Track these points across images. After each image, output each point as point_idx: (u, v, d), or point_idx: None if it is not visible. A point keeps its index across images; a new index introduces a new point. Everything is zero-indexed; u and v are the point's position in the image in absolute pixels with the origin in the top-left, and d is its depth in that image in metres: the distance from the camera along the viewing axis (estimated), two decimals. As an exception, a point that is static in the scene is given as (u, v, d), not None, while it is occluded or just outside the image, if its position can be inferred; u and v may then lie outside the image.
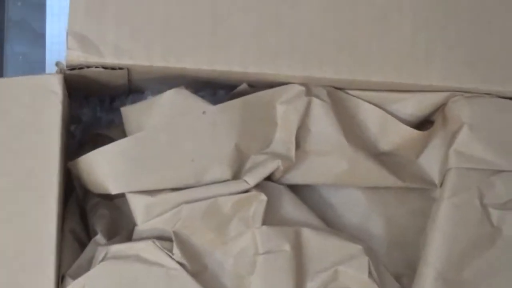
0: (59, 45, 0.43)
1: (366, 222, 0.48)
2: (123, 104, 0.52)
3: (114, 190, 0.44)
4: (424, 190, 0.48)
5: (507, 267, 0.45)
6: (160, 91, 0.48)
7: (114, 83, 0.48)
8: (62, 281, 0.42)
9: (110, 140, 0.47)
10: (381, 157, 0.47)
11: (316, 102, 0.45)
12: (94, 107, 0.53)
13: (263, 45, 0.44)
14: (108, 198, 0.47)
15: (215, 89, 0.51)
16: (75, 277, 0.42)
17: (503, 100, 0.46)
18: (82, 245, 0.46)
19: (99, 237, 0.45)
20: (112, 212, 0.47)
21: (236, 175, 0.44)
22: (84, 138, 0.52)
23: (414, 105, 0.47)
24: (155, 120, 0.45)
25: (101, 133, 0.51)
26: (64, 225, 0.46)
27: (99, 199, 0.48)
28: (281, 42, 0.45)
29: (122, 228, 0.46)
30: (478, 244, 0.45)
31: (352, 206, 0.48)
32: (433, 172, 0.48)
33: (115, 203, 0.48)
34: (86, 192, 0.48)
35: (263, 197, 0.44)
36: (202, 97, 0.51)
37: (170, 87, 0.47)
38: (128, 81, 0.48)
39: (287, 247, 0.43)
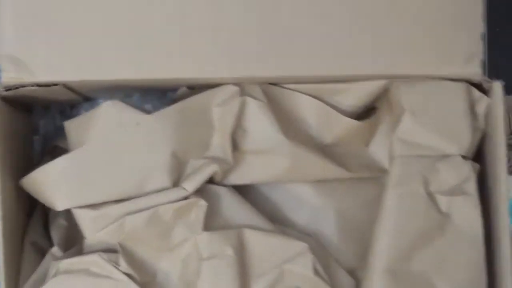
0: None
1: (315, 217, 0.48)
2: (78, 112, 0.53)
3: (59, 207, 0.45)
4: (376, 178, 0.47)
5: (458, 254, 0.44)
6: (112, 96, 0.49)
7: (61, 96, 0.49)
8: None
9: (66, 152, 0.49)
10: (325, 150, 0.46)
11: (250, 101, 0.45)
12: (54, 116, 0.54)
13: (188, 52, 0.44)
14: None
15: (164, 92, 0.51)
16: (31, 291, 0.44)
17: (442, 82, 0.44)
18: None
19: (55, 250, 0.47)
20: (70, 222, 0.48)
21: (176, 182, 0.45)
22: (45, 149, 0.53)
23: (354, 96, 0.46)
24: (93, 134, 0.45)
25: (58, 145, 0.52)
26: (26, 237, 0.48)
27: (59, 209, 0.49)
28: (207, 47, 0.44)
29: (78, 239, 0.48)
30: (426, 233, 0.44)
31: (299, 202, 0.48)
32: (383, 159, 0.47)
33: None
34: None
35: (203, 203, 0.44)
36: (150, 100, 0.51)
37: (121, 92, 0.47)
38: (76, 94, 0.49)
39: (229, 251, 0.44)
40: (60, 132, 0.54)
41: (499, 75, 0.43)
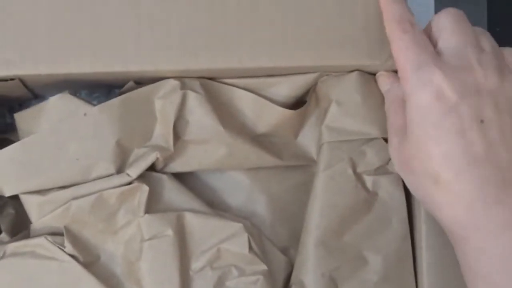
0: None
1: (250, 201, 0.51)
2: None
3: (7, 193, 0.47)
4: (305, 166, 0.51)
5: (384, 227, 0.48)
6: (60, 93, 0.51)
7: (15, 93, 0.52)
8: None
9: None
10: (260, 139, 0.50)
11: (190, 94, 0.48)
12: (3, 114, 0.56)
13: (141, 45, 0.47)
14: (16, 197, 0.50)
15: (110, 89, 0.54)
16: (-20, 276, 0.46)
17: (365, 74, 0.48)
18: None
19: (3, 235, 0.49)
20: (18, 211, 0.51)
21: (120, 170, 0.48)
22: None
23: (288, 87, 0.49)
24: (42, 125, 0.48)
25: (8, 138, 0.54)
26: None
27: (7, 199, 0.52)
28: (157, 40, 0.47)
29: (25, 226, 0.50)
30: (356, 210, 0.48)
31: (235, 188, 0.51)
32: (312, 149, 0.51)
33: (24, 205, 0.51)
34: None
35: (145, 188, 0.47)
36: (98, 97, 0.54)
37: (69, 89, 0.50)
38: (28, 90, 0.52)
39: (169, 232, 0.47)
40: (10, 128, 0.57)
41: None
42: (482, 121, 0.38)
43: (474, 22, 0.44)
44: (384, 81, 0.47)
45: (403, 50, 0.41)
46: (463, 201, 0.37)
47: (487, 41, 0.42)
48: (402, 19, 0.42)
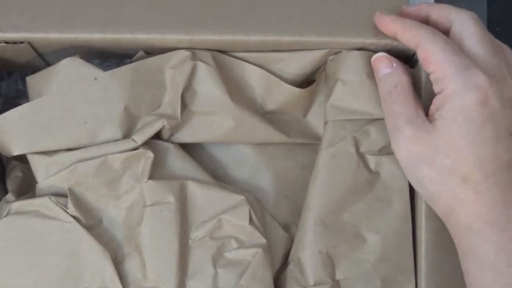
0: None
1: (255, 177, 0.52)
2: (40, 77, 0.56)
3: (15, 152, 0.48)
4: (313, 145, 0.51)
5: (385, 207, 0.48)
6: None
7: (25, 58, 0.52)
8: None
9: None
10: (268, 116, 0.50)
11: (201, 65, 0.48)
12: (16, 80, 0.57)
13: (150, 14, 0.48)
14: (25, 161, 0.51)
15: (121, 59, 0.55)
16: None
17: (371, 53, 0.48)
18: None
19: (9, 196, 0.50)
20: (26, 174, 0.51)
21: (127, 135, 0.48)
22: (5, 109, 0.56)
23: (295, 64, 0.49)
24: (53, 87, 0.49)
25: (19, 103, 0.55)
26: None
27: (16, 162, 0.52)
28: (166, 10, 0.48)
29: (31, 189, 0.50)
30: (356, 189, 0.48)
31: (241, 162, 0.52)
32: (320, 128, 0.51)
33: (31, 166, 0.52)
34: (8, 157, 0.53)
35: (150, 154, 0.47)
36: (109, 66, 0.55)
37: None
38: (39, 55, 0.52)
39: (171, 199, 0.47)
40: (22, 95, 0.57)
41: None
42: (511, 133, 0.41)
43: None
44: (384, 64, 0.46)
45: (441, 51, 0.41)
46: (487, 200, 0.40)
47: (509, 53, 0.44)
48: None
